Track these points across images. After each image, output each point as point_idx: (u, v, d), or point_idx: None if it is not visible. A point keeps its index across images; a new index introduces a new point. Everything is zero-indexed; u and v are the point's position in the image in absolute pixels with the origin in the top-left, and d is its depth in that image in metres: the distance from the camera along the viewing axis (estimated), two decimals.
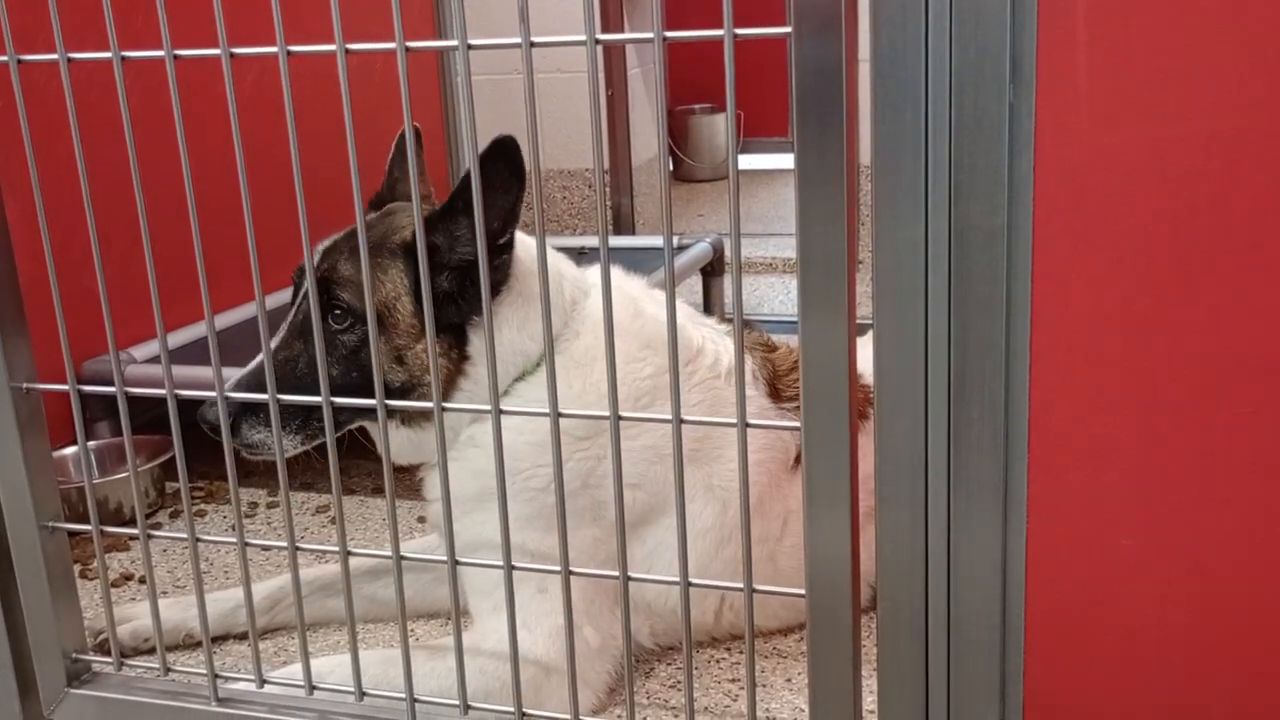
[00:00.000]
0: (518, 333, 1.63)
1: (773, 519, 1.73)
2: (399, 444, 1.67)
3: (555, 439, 1.20)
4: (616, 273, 1.76)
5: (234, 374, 1.64)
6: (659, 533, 1.66)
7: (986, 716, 1.12)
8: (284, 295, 2.74)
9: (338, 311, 1.60)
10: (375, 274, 1.59)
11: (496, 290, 1.61)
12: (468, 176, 1.51)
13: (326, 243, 1.67)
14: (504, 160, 1.41)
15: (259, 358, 1.59)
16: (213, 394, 1.32)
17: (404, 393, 1.60)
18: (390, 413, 1.59)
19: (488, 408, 1.22)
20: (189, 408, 1.32)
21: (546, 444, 1.59)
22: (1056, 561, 1.07)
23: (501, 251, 1.58)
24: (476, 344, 1.61)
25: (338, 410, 1.54)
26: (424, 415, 1.63)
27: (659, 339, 1.70)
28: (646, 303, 1.73)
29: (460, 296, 1.59)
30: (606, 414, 1.17)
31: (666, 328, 1.12)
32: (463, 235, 1.56)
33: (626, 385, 1.64)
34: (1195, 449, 1.02)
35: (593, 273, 1.75)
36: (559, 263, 1.73)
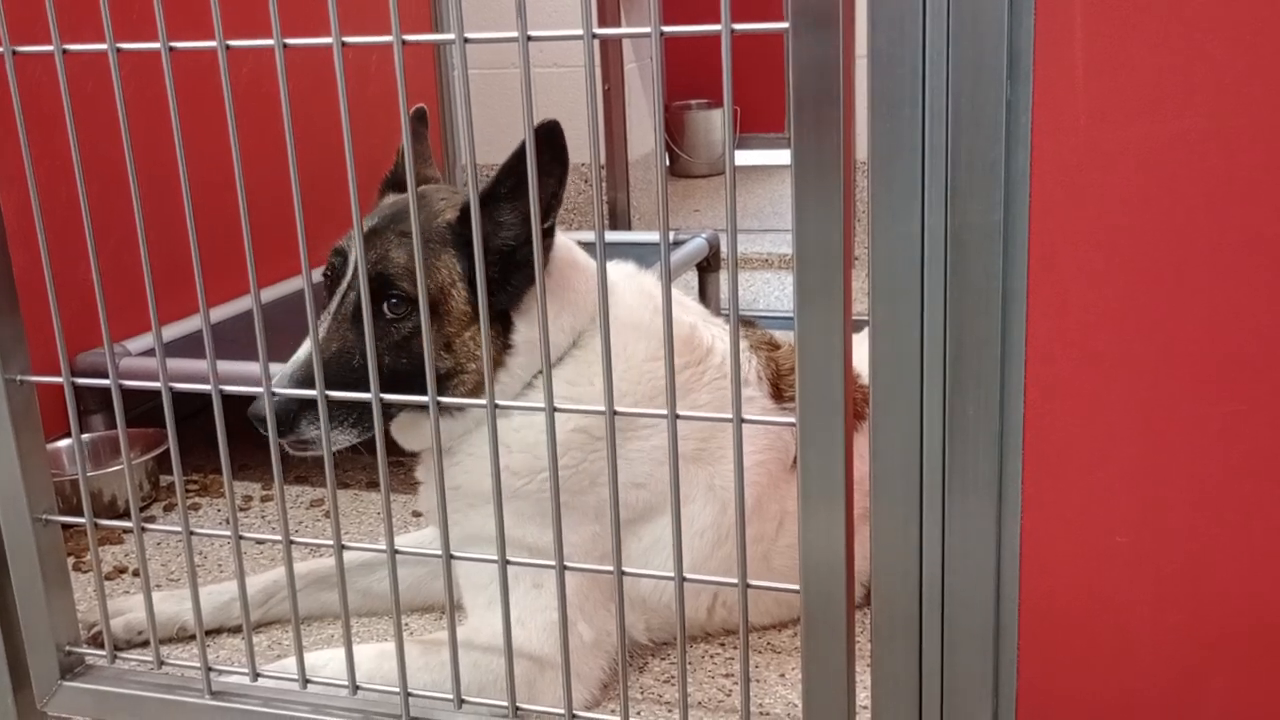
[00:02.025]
0: (551, 323, 1.62)
1: (769, 519, 1.74)
2: (428, 431, 1.65)
3: (550, 434, 1.20)
4: (635, 269, 1.77)
5: (277, 368, 1.62)
6: (657, 530, 1.66)
7: (980, 712, 1.12)
8: (283, 287, 2.77)
9: (394, 300, 1.56)
10: (428, 260, 1.57)
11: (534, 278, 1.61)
12: (510, 160, 1.50)
13: (365, 227, 1.62)
14: (547, 145, 1.39)
15: (304, 348, 1.56)
16: (260, 390, 1.30)
17: (447, 379, 1.58)
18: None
19: (483, 402, 1.22)
20: (183, 401, 1.31)
21: (570, 443, 1.60)
22: (1051, 558, 1.07)
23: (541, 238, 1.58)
24: (523, 331, 1.60)
25: (387, 403, 1.53)
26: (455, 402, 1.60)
27: (678, 337, 1.71)
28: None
29: (506, 283, 1.58)
30: (609, 411, 1.16)
31: (663, 323, 1.12)
32: (506, 220, 1.55)
33: (643, 383, 1.64)
34: (1191, 446, 1.02)
35: (616, 269, 1.76)
36: (590, 259, 1.73)
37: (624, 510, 1.64)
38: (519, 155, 1.48)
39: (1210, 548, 1.04)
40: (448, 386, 1.58)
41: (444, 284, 1.57)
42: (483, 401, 1.22)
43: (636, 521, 1.66)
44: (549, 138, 1.39)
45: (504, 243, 1.56)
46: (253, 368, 1.30)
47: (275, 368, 1.72)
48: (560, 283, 1.63)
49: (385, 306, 1.57)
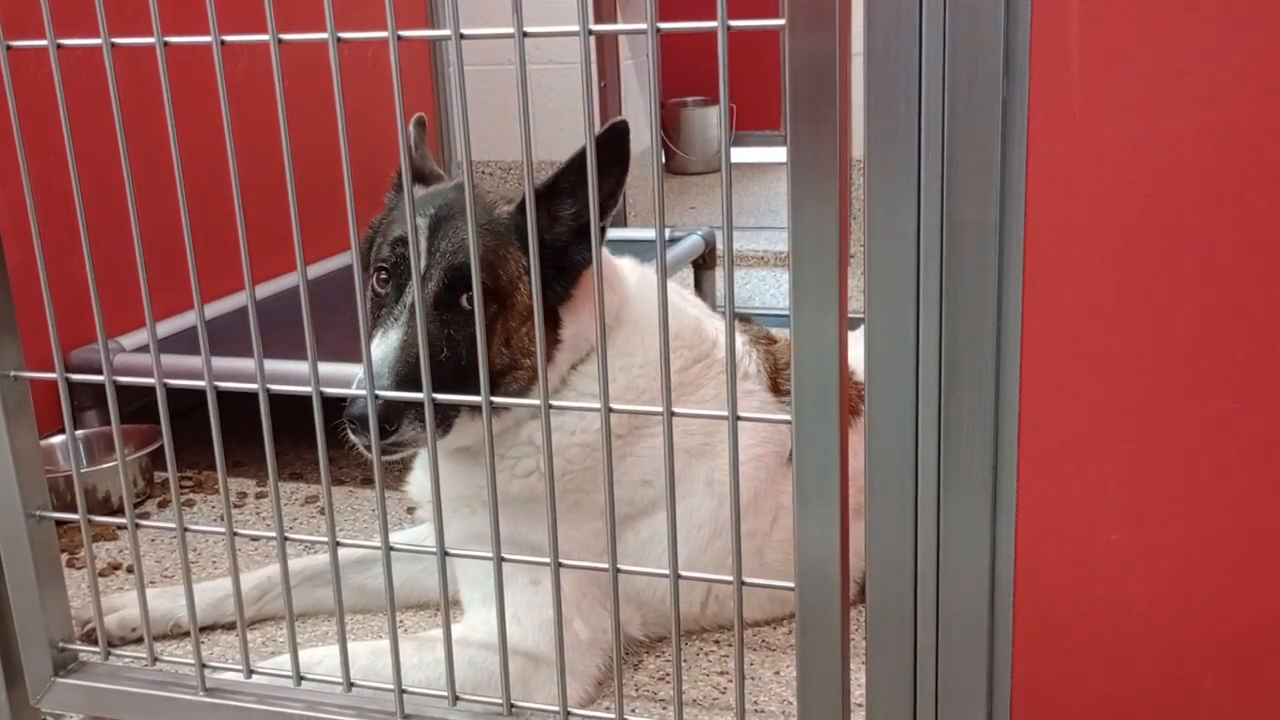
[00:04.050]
0: (589, 318, 1.62)
1: (764, 514, 1.74)
2: (476, 432, 1.63)
3: (545, 429, 1.20)
4: (635, 264, 1.77)
5: (337, 367, 1.57)
6: (655, 525, 1.66)
7: (974, 710, 1.12)
8: (280, 283, 2.76)
9: (472, 292, 1.54)
10: (498, 252, 1.55)
11: (582, 271, 1.60)
12: (575, 156, 1.49)
13: (429, 216, 1.56)
14: (610, 145, 1.38)
15: (387, 344, 1.50)
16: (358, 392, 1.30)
17: (501, 375, 1.56)
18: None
19: (477, 398, 1.21)
20: (178, 397, 1.31)
21: (595, 444, 1.59)
22: (1045, 556, 1.07)
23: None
24: (570, 327, 1.60)
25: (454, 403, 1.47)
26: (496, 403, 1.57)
27: (686, 332, 1.71)
28: (673, 297, 1.73)
29: (558, 279, 1.57)
30: (604, 408, 1.16)
31: (659, 321, 1.12)
32: (564, 216, 1.54)
33: (659, 379, 1.64)
34: (1184, 444, 1.02)
35: (624, 265, 1.76)
36: (617, 258, 1.74)
37: (629, 507, 1.64)
38: (583, 152, 1.48)
39: (1204, 546, 1.04)
40: (501, 383, 1.56)
41: (513, 277, 1.55)
42: (478, 399, 1.21)
43: (637, 517, 1.66)
44: (614, 138, 1.39)
45: (558, 237, 1.55)
46: (248, 364, 1.29)
47: (276, 365, 1.71)
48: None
49: (464, 299, 1.53)
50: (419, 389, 1.23)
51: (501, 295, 1.54)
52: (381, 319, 1.54)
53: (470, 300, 1.53)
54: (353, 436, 1.46)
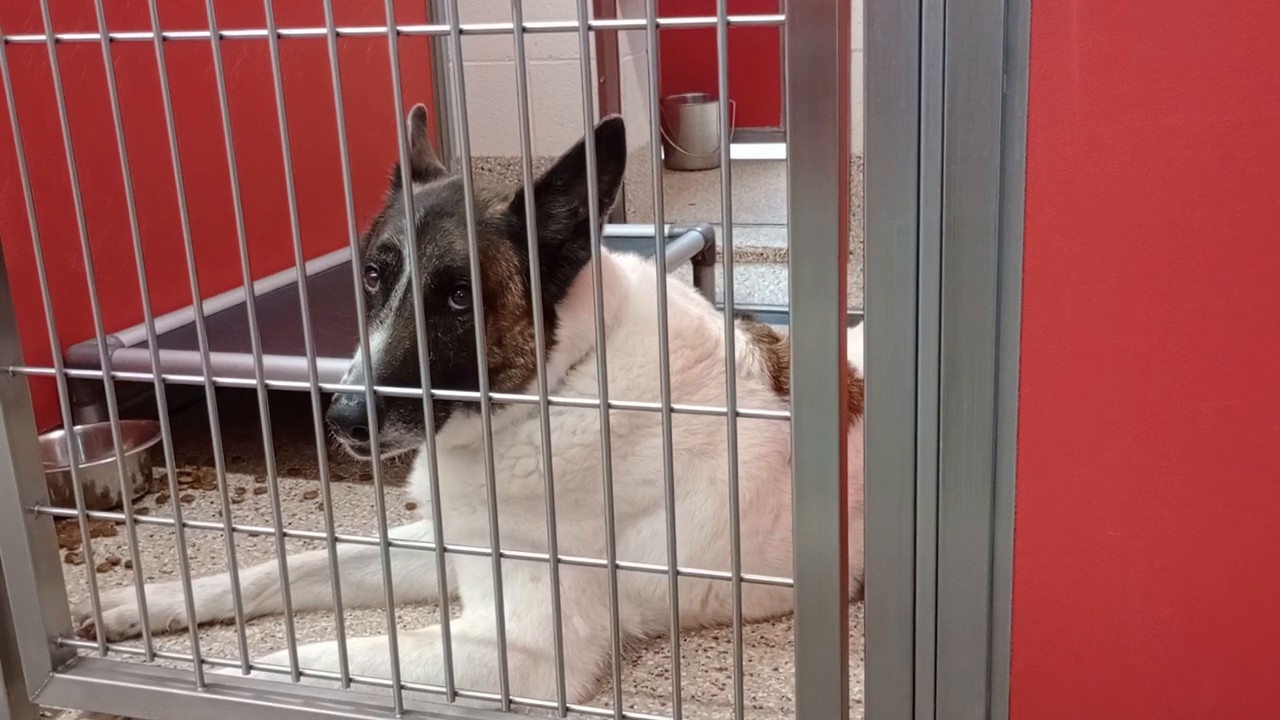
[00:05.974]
0: (588, 316, 1.61)
1: (766, 513, 1.74)
2: (472, 429, 1.64)
3: (544, 426, 1.20)
4: (638, 261, 1.77)
5: (335, 363, 1.56)
6: (656, 524, 1.66)
7: (972, 706, 1.12)
8: (278, 279, 2.76)
9: (459, 292, 1.52)
10: (488, 252, 1.54)
11: (579, 269, 1.59)
12: (569, 153, 1.48)
13: (419, 217, 1.55)
14: (607, 142, 1.38)
15: (374, 348, 1.48)
16: (350, 388, 1.31)
17: (494, 373, 1.55)
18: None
19: (476, 394, 1.21)
20: (176, 392, 1.31)
21: (595, 445, 1.59)
22: (1044, 552, 1.07)
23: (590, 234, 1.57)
24: (567, 326, 1.59)
25: (447, 402, 1.49)
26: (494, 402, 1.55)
27: (688, 331, 1.71)
28: (676, 295, 1.73)
29: (552, 277, 1.57)
30: (602, 404, 1.16)
31: (659, 318, 1.12)
32: (558, 213, 1.54)
33: (659, 379, 1.64)
34: (1183, 441, 1.02)
35: (626, 262, 1.75)
36: (614, 254, 1.73)
37: (630, 506, 1.64)
38: (578, 149, 1.47)
39: (1202, 542, 1.04)
40: (494, 383, 1.55)
41: (503, 277, 1.55)
42: (477, 394, 1.21)
43: (638, 516, 1.66)
44: (610, 135, 1.38)
45: (552, 235, 1.55)
46: (247, 359, 1.29)
47: (274, 360, 1.71)
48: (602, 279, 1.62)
49: (451, 300, 1.53)
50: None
51: (491, 295, 1.54)
52: (369, 321, 1.54)
53: (458, 301, 1.53)
54: (337, 437, 1.46)
